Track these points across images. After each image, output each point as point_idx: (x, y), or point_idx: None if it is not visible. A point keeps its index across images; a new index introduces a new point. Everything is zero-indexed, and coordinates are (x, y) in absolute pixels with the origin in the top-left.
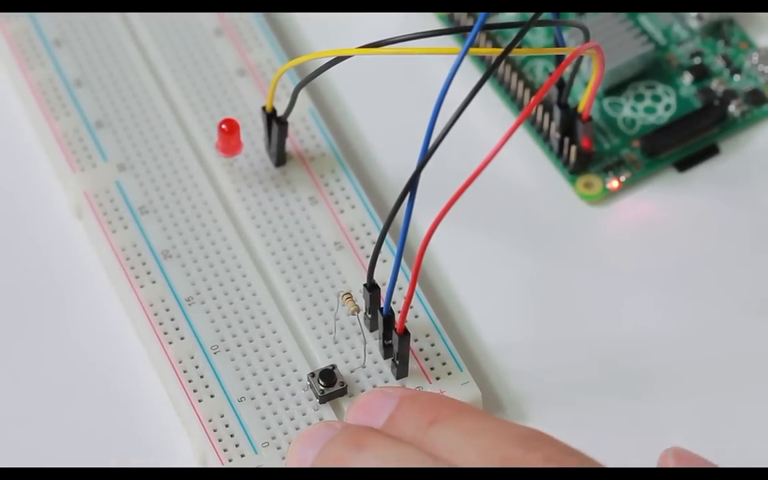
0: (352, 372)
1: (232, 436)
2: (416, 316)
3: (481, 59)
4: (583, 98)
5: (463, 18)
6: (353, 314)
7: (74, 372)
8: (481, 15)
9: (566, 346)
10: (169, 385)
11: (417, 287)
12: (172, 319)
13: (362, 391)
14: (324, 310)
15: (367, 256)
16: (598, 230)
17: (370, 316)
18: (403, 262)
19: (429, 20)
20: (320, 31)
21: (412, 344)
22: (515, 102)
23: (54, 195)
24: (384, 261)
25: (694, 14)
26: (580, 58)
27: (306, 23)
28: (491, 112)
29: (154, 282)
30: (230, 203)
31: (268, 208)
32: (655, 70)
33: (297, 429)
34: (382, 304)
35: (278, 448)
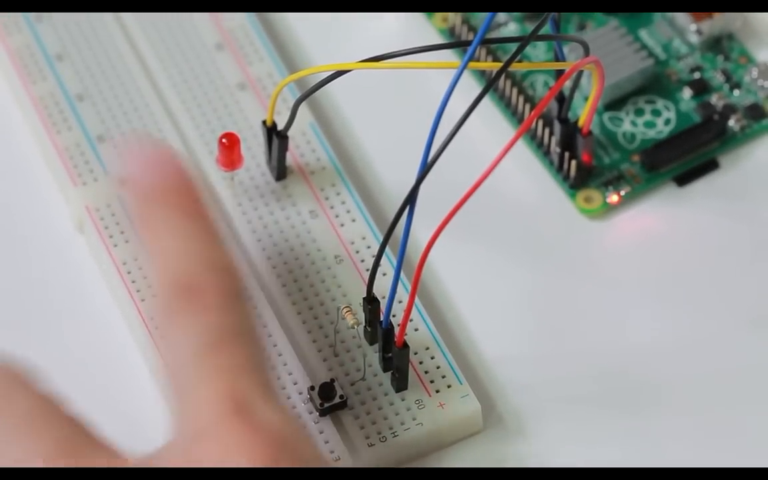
0: (352, 384)
1: None
2: (416, 329)
3: (481, 73)
4: (583, 113)
5: (463, 32)
6: (353, 327)
7: (75, 386)
8: (480, 28)
9: (566, 359)
10: None
11: (416, 300)
12: None
13: (362, 403)
14: (324, 323)
15: (368, 270)
16: (598, 244)
17: (369, 329)
18: (402, 275)
19: (429, 34)
20: (321, 45)
21: (412, 357)
22: (515, 116)
23: (55, 209)
24: (384, 274)
25: (693, 29)
26: (580, 73)
27: (306, 37)
28: (491, 126)
29: (155, 296)
30: (231, 217)
31: (269, 222)
32: (654, 84)
33: None
34: (382, 318)
35: None
